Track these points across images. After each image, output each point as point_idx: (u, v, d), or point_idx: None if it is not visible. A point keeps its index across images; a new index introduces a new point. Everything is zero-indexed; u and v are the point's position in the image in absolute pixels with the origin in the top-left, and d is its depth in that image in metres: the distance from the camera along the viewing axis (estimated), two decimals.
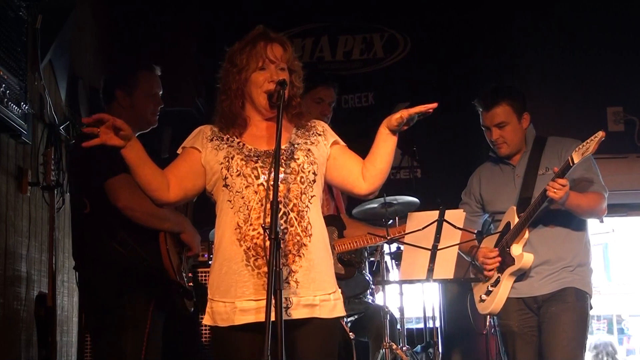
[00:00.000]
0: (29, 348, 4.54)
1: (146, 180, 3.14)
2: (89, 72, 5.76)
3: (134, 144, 3.08)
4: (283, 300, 2.87)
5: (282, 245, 2.92)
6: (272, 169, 2.95)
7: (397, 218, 5.24)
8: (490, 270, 4.31)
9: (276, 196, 2.84)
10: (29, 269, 4.62)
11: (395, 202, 5.14)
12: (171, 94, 4.25)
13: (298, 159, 3.13)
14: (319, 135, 3.27)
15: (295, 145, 3.18)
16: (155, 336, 3.90)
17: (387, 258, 5.34)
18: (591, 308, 4.22)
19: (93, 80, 5.73)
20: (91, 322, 4.07)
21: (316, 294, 3.07)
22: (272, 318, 2.69)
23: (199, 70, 6.30)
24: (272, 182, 2.91)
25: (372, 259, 5.36)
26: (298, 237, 3.05)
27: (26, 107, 4.33)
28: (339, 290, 3.18)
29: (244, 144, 3.16)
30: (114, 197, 3.78)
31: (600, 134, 3.79)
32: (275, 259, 2.75)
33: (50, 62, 4.96)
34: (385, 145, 3.26)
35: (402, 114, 3.16)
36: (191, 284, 4.28)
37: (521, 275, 4.19)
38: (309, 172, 3.13)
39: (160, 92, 4.24)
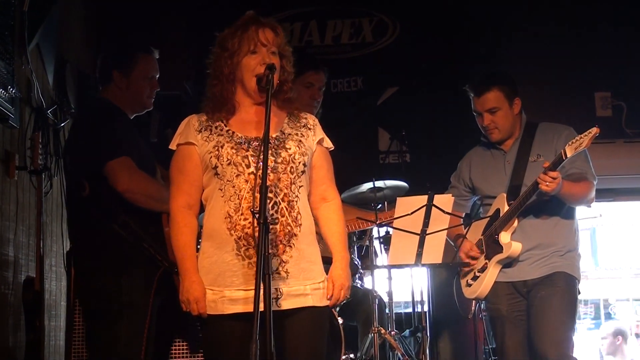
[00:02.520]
0: (16, 332, 4.54)
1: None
2: (77, 55, 5.74)
3: (201, 283, 3.08)
4: (273, 290, 2.89)
5: (272, 236, 2.94)
6: (260, 156, 2.95)
7: (386, 202, 5.25)
8: (469, 266, 4.36)
9: (265, 180, 2.83)
10: (17, 253, 4.61)
11: (384, 186, 5.15)
12: (159, 78, 4.22)
13: (290, 148, 3.13)
14: (309, 129, 3.26)
15: (287, 135, 3.18)
16: (154, 321, 3.87)
17: (375, 242, 5.35)
18: (579, 293, 4.24)
19: (81, 63, 5.70)
20: (86, 307, 4.01)
21: (306, 283, 3.09)
22: (261, 308, 2.69)
23: (187, 54, 6.27)
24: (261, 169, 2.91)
25: (360, 243, 5.37)
26: (289, 227, 3.05)
27: (13, 91, 4.31)
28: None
29: (233, 132, 3.14)
30: (114, 180, 3.77)
31: (595, 130, 3.79)
32: (264, 244, 2.74)
33: (37, 46, 4.93)
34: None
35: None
36: None
37: (511, 260, 4.20)
38: (299, 162, 3.13)
39: (157, 76, 4.20)
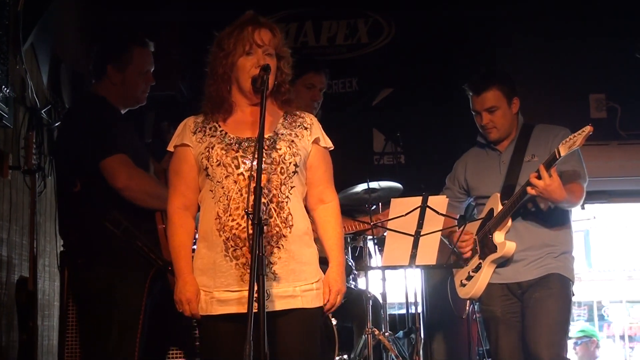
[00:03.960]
0: (9, 332, 4.53)
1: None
2: (72, 55, 5.72)
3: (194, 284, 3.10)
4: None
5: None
6: (253, 157, 2.97)
7: (380, 204, 5.25)
8: (466, 253, 4.34)
9: (259, 181, 2.83)
10: (10, 253, 4.60)
11: (378, 187, 5.15)
12: (154, 78, 4.20)
13: (280, 149, 3.11)
14: (305, 129, 3.23)
15: (279, 135, 3.16)
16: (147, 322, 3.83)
17: (369, 243, 5.35)
18: (573, 295, 4.24)
19: (76, 63, 5.69)
20: (79, 305, 3.98)
21: (296, 285, 3.07)
22: (255, 309, 2.68)
23: (182, 54, 6.26)
24: (253, 170, 2.91)
25: (354, 244, 5.37)
26: (277, 229, 3.04)
27: (7, 91, 4.30)
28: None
29: (226, 133, 3.14)
30: (112, 178, 3.72)
31: (588, 129, 3.78)
32: (258, 245, 2.73)
33: (32, 45, 4.92)
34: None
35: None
36: None
37: (505, 261, 4.20)
38: (290, 163, 3.11)
39: (152, 69, 4.15)
